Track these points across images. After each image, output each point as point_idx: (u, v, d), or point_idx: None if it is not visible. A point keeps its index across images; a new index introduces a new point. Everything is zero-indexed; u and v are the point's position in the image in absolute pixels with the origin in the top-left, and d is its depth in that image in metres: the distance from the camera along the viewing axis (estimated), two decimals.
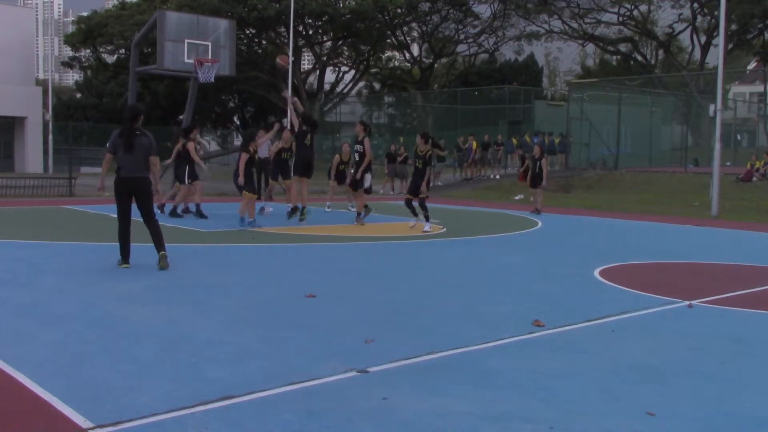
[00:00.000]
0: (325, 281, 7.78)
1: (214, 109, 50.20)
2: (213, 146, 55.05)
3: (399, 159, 24.61)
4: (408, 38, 49.14)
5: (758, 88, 48.82)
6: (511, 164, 30.38)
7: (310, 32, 43.71)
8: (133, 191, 8.11)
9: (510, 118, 35.29)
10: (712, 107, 18.48)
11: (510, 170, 29.00)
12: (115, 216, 8.30)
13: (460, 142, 27.74)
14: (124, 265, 8.15)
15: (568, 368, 4.77)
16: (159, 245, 8.18)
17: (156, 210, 9.57)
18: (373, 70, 51.26)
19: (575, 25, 47.37)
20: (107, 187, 8.50)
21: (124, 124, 8.18)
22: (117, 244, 8.29)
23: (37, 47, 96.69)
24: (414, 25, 47.57)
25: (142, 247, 8.55)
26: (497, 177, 27.87)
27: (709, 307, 6.92)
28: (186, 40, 17.71)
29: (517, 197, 20.91)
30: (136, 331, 5.41)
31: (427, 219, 12.77)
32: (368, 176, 14.46)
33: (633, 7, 45.69)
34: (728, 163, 28.16)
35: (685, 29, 46.64)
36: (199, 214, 14.07)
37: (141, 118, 8.25)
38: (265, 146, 14.80)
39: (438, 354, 5.00)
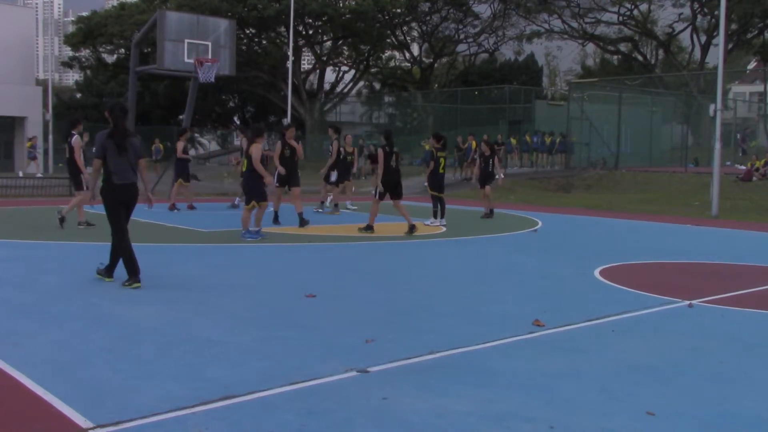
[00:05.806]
0: (325, 281, 7.78)
1: (214, 109, 50.21)
2: (213, 146, 55.11)
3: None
4: (408, 38, 49.14)
5: (758, 87, 48.74)
6: (511, 164, 30.37)
7: (310, 32, 43.70)
8: (128, 200, 7.33)
9: (510, 118, 35.30)
10: (712, 107, 18.47)
11: (510, 170, 28.95)
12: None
13: (460, 141, 27.71)
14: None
15: (568, 368, 4.77)
16: (130, 271, 7.21)
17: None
18: (373, 70, 51.23)
19: (575, 25, 47.37)
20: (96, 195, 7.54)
21: (117, 123, 7.28)
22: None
23: (37, 47, 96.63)
24: (414, 24, 47.56)
25: (141, 248, 8.52)
26: (497, 177, 27.79)
27: (709, 307, 6.92)
28: (186, 40, 17.71)
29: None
30: (136, 331, 5.42)
31: (434, 215, 14.07)
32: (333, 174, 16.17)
33: (633, 6, 45.68)
34: (728, 163, 28.16)
35: (685, 29, 46.63)
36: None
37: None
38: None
39: (438, 354, 5.00)
